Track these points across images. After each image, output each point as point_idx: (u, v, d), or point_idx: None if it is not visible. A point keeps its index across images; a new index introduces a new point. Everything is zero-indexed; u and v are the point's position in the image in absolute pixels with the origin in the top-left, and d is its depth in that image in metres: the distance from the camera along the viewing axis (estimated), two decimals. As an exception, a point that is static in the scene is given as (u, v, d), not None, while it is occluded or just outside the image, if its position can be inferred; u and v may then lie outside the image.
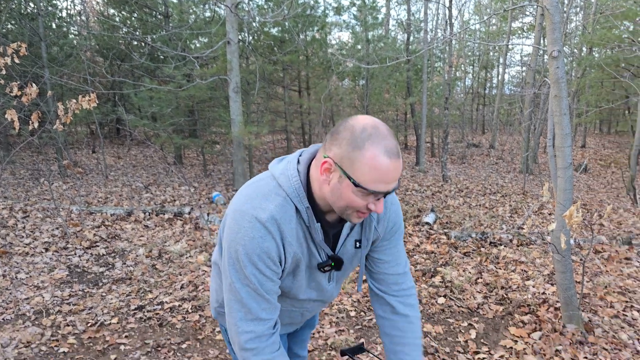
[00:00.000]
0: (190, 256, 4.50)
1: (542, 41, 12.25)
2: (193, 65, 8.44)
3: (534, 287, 3.71)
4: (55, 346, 2.79)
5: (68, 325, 3.04)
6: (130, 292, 3.62)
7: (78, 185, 8.26)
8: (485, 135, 22.99)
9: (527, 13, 18.52)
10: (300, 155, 1.10)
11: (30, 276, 3.91)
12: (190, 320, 3.16)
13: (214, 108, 10.58)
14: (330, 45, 14.23)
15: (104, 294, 3.59)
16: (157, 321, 3.15)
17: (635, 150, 8.39)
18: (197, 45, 11.96)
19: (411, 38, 14.66)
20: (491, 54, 22.06)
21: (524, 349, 2.76)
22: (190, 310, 3.31)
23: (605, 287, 3.67)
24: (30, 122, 4.42)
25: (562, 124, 2.65)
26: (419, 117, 12.92)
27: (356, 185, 0.95)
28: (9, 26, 10.76)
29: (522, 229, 5.64)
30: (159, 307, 3.36)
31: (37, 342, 2.82)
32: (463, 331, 3.05)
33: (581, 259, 3.97)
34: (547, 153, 3.74)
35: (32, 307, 3.31)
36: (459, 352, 2.80)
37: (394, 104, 14.45)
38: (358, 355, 1.46)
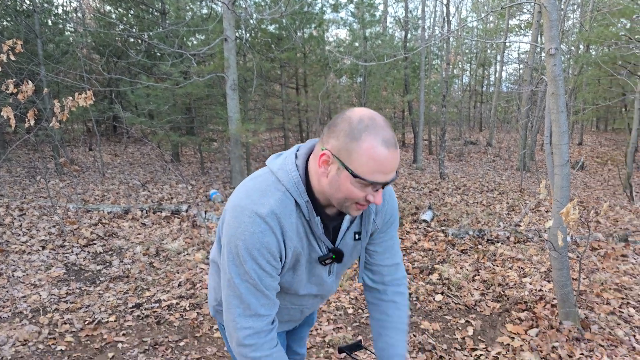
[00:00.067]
0: (187, 254, 4.50)
1: (539, 39, 12.24)
2: (190, 63, 8.41)
3: (530, 284, 3.72)
4: (53, 344, 2.79)
5: (65, 324, 3.04)
6: (127, 290, 3.62)
7: (75, 183, 8.23)
8: (482, 132, 23.06)
9: (525, 10, 18.53)
10: (297, 150, 1.10)
11: (27, 274, 3.90)
12: (187, 318, 3.16)
13: (211, 105, 10.55)
14: (328, 42, 14.24)
15: (101, 292, 3.58)
16: (155, 319, 3.15)
17: (631, 148, 8.43)
18: (194, 42, 11.94)
19: (409, 35, 14.65)
20: (488, 51, 22.07)
21: (521, 345, 2.78)
22: (187, 308, 3.31)
23: (602, 284, 3.69)
24: (26, 119, 4.40)
25: (559, 122, 2.66)
26: (417, 114, 12.94)
27: (355, 176, 0.95)
28: (5, 23, 10.71)
29: (519, 226, 5.66)
30: (157, 305, 3.36)
31: (35, 340, 2.81)
32: (460, 328, 3.06)
33: (578, 256, 3.99)
34: (544, 150, 3.75)
35: (29, 305, 3.30)
36: (456, 349, 2.81)
37: (391, 101, 14.46)
38: (356, 353, 1.46)
